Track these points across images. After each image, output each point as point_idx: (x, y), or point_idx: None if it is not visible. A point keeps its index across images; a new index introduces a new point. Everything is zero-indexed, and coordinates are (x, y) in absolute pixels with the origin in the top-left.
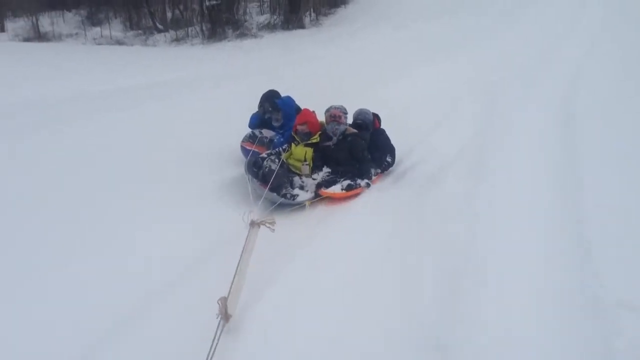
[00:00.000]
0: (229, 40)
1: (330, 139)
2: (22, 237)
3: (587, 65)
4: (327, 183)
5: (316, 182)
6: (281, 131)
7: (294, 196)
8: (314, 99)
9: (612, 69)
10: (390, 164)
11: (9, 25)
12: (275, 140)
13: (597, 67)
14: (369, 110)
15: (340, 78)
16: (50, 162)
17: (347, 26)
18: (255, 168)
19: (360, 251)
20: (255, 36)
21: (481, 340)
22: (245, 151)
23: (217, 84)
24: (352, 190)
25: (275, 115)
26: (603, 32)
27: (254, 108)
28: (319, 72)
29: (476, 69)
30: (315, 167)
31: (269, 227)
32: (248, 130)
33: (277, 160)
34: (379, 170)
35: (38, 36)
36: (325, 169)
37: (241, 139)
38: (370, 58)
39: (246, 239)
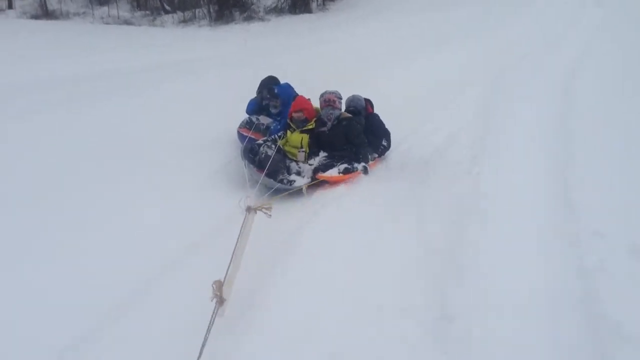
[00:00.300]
0: (236, 23)
1: (325, 124)
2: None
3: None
4: (324, 167)
5: (313, 167)
6: (278, 118)
7: (290, 182)
8: (318, 83)
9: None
10: (387, 148)
11: (17, 2)
12: (272, 127)
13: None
14: (360, 97)
15: (345, 62)
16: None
17: (354, 12)
18: (252, 154)
19: (357, 236)
20: (262, 19)
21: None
22: (241, 137)
23: (223, 67)
24: (349, 174)
25: (274, 102)
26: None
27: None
28: (324, 56)
29: (483, 55)
30: (312, 153)
31: (265, 213)
32: (245, 116)
33: (273, 147)
34: (376, 155)
35: (46, 14)
36: (322, 154)
37: (238, 124)
38: (376, 43)
39: (242, 224)
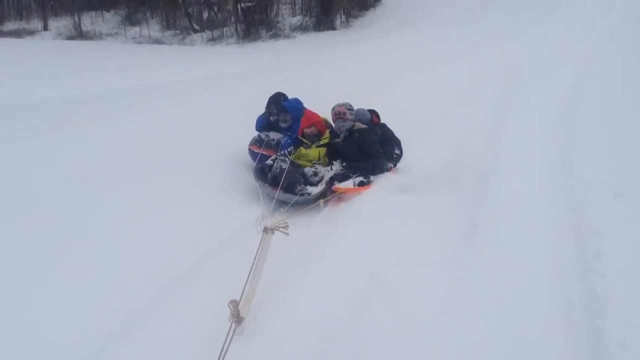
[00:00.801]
0: (262, 41)
1: (338, 136)
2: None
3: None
4: (341, 177)
5: (330, 175)
6: (289, 133)
7: (307, 193)
8: (338, 93)
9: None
10: (400, 156)
11: (52, 24)
12: (283, 142)
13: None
14: (364, 110)
15: (367, 75)
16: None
17: (376, 28)
18: (263, 174)
19: (376, 250)
20: (288, 37)
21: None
22: (253, 154)
23: (249, 80)
24: (364, 187)
25: (283, 116)
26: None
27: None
28: (347, 69)
29: (496, 65)
30: (328, 164)
31: (282, 232)
32: (255, 133)
33: (286, 160)
34: (392, 165)
35: (80, 35)
36: (340, 164)
37: (249, 141)
38: (398, 57)
39: (259, 245)
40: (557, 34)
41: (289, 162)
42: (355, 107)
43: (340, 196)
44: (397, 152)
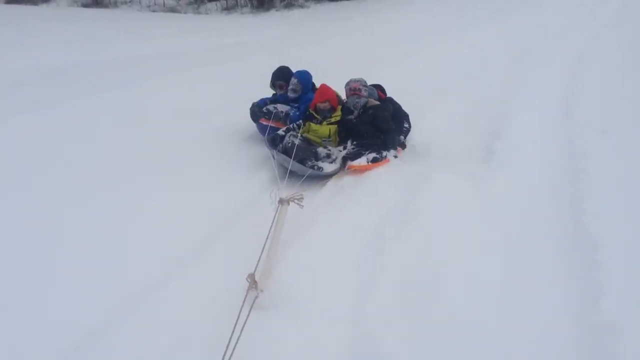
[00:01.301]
0: (277, 10)
1: (351, 112)
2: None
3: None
4: (354, 156)
5: (342, 154)
6: (296, 105)
7: (320, 167)
8: (353, 62)
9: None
10: (409, 130)
11: None
12: (292, 114)
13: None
14: (372, 87)
15: (380, 45)
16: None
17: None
18: (274, 144)
19: (386, 216)
20: (302, 6)
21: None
22: (261, 127)
23: (263, 50)
24: (378, 162)
25: (294, 85)
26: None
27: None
28: (360, 40)
29: (508, 35)
30: (340, 142)
31: (297, 204)
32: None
33: (297, 134)
34: (403, 138)
35: (95, 2)
36: (350, 143)
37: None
38: (412, 27)
39: (275, 216)
40: (565, 11)
41: (299, 136)
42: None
43: (356, 173)
44: (406, 125)
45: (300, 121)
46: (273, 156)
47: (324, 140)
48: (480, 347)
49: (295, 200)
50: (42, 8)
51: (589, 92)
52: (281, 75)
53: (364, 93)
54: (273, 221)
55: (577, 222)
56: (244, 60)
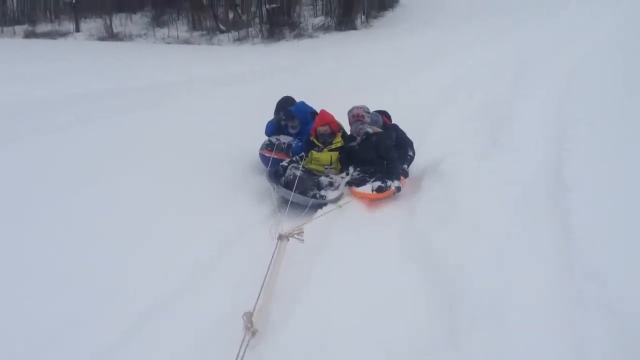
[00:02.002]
0: (287, 40)
1: (354, 139)
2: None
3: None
4: (358, 182)
5: (345, 180)
6: (298, 137)
7: (322, 196)
8: (359, 84)
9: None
10: (413, 157)
11: (83, 26)
12: (294, 145)
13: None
14: (376, 113)
15: (385, 69)
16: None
17: (395, 28)
18: (277, 177)
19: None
20: (311, 36)
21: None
22: (264, 159)
23: (274, 75)
24: (383, 192)
25: (291, 122)
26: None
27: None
28: (366, 63)
29: (503, 56)
30: (342, 169)
31: (297, 239)
32: (265, 138)
33: (299, 167)
34: (406, 166)
35: (111, 36)
36: (354, 170)
37: (259, 146)
38: (415, 53)
39: (274, 252)
40: (567, 26)
41: (300, 169)
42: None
43: (360, 201)
44: (410, 153)
45: (303, 153)
46: (274, 188)
47: (326, 168)
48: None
49: (295, 236)
50: (61, 42)
51: (580, 91)
52: (282, 108)
53: (367, 120)
54: (272, 257)
55: (559, 180)
56: (254, 83)
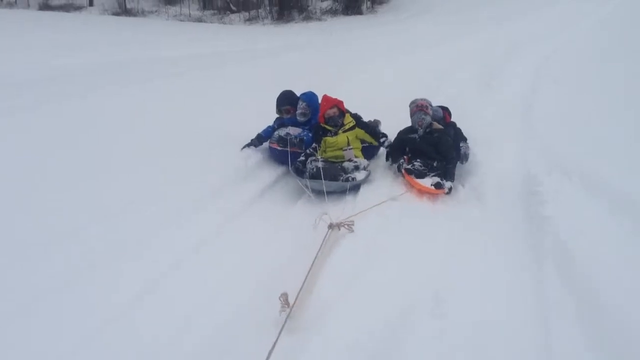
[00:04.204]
0: (296, 22)
1: (415, 131)
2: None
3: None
4: (418, 173)
5: (405, 167)
6: (307, 127)
7: (354, 178)
8: (363, 60)
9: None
10: (466, 155)
11: (96, 0)
12: (305, 138)
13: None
14: (438, 108)
15: (389, 49)
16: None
17: (399, 14)
18: (300, 172)
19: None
20: (319, 19)
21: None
22: (274, 152)
23: (285, 53)
24: (438, 189)
25: (302, 109)
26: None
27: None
28: (372, 46)
29: (502, 39)
30: (397, 156)
31: (348, 229)
32: (269, 128)
33: (318, 159)
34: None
35: (125, 11)
36: (417, 162)
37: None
38: (417, 36)
39: (323, 241)
40: (555, 17)
41: (320, 160)
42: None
43: (415, 194)
44: (462, 145)
45: (315, 145)
46: (306, 185)
47: (344, 150)
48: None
49: (346, 226)
50: (78, 15)
51: (555, 61)
52: (287, 100)
53: (429, 111)
54: (321, 246)
55: (529, 109)
56: (275, 58)
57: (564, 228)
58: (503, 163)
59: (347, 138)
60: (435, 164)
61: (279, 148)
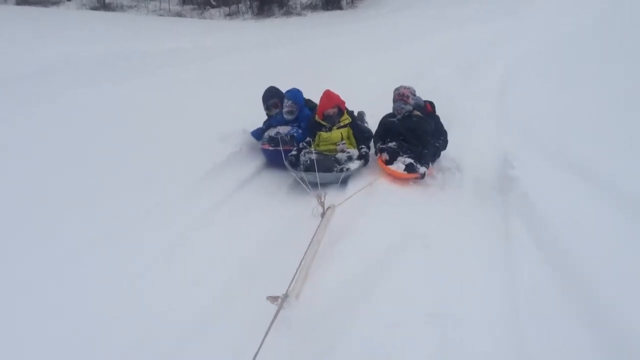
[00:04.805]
0: (276, 17)
1: (394, 115)
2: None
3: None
4: (391, 152)
5: (380, 147)
6: (296, 124)
7: (347, 168)
8: (345, 54)
9: None
10: (443, 147)
11: None
12: (296, 135)
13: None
14: (420, 98)
15: (370, 44)
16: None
17: (379, 9)
18: (294, 166)
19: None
20: (299, 14)
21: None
22: (266, 153)
23: (266, 49)
24: (410, 174)
25: (289, 107)
26: None
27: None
28: (352, 41)
29: (476, 34)
30: (379, 139)
31: (332, 210)
32: (259, 129)
33: (311, 151)
34: (436, 158)
35: (103, 5)
36: (391, 143)
37: (260, 141)
38: (397, 32)
39: (318, 226)
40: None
41: (313, 152)
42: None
43: (388, 178)
44: (441, 139)
45: (309, 139)
46: (303, 179)
47: (338, 145)
48: None
49: (330, 208)
50: (55, 10)
51: (531, 50)
52: (273, 94)
53: (410, 101)
54: (315, 231)
55: (503, 93)
56: (259, 53)
57: (526, 183)
58: (480, 138)
59: (341, 134)
60: (410, 147)
61: (270, 148)
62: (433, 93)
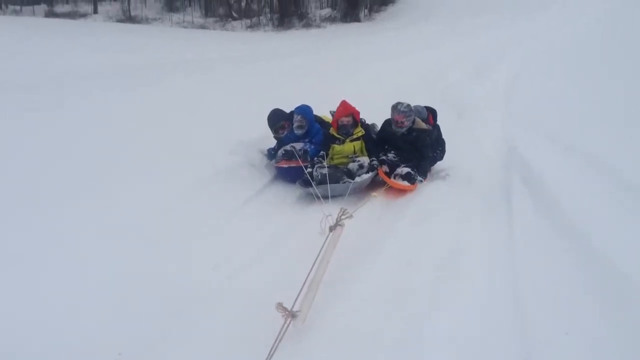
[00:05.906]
0: (296, 29)
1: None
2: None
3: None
4: (391, 163)
5: (380, 158)
6: (307, 139)
7: (354, 181)
8: (355, 61)
9: None
10: (439, 158)
11: (100, 8)
12: (309, 149)
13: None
14: (422, 107)
15: (386, 54)
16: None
17: (395, 21)
18: (308, 183)
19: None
20: (319, 26)
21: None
22: (282, 172)
23: (287, 58)
24: (410, 184)
25: (299, 122)
26: None
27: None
28: (372, 50)
29: (489, 43)
30: (380, 150)
31: (345, 218)
32: (272, 147)
33: (324, 165)
34: (433, 165)
35: (129, 18)
36: (390, 154)
37: (273, 161)
38: (412, 42)
39: (324, 242)
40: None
41: (326, 166)
42: (411, 102)
43: (390, 190)
44: (439, 150)
45: (323, 153)
46: (317, 194)
47: (350, 157)
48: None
49: (342, 218)
50: (83, 22)
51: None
52: (279, 117)
53: (407, 124)
54: (322, 246)
55: (512, 88)
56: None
57: (529, 158)
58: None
59: (354, 147)
60: (407, 157)
61: (285, 166)
62: (448, 90)
